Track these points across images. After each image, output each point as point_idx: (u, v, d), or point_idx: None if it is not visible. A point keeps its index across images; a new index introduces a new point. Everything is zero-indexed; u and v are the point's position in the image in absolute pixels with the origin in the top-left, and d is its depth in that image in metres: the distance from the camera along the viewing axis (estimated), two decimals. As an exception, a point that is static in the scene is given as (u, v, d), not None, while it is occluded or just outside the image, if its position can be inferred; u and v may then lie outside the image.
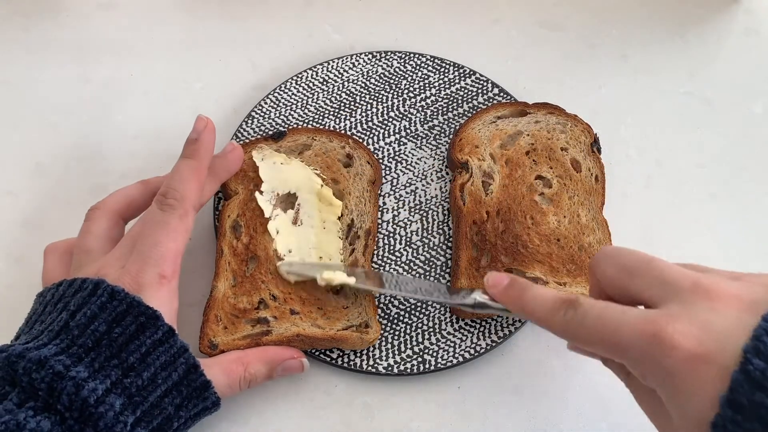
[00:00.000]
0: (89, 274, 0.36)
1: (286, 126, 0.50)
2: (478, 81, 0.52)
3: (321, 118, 0.51)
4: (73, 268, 0.38)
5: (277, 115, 0.51)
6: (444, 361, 0.41)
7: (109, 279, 0.34)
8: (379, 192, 0.47)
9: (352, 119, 0.51)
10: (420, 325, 0.42)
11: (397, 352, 0.41)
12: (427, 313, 0.43)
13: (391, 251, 0.45)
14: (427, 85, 0.52)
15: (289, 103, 0.51)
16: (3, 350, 0.32)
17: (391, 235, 0.46)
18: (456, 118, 0.50)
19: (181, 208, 0.38)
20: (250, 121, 0.50)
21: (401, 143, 0.49)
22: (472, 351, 0.41)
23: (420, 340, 0.42)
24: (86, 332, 0.32)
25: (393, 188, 0.48)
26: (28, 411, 0.29)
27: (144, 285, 0.35)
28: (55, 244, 0.41)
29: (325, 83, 0.52)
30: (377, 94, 0.52)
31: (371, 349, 0.41)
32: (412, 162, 0.49)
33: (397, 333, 0.42)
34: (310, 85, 0.52)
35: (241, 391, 0.38)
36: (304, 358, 0.40)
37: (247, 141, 0.48)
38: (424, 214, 0.47)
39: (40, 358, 0.31)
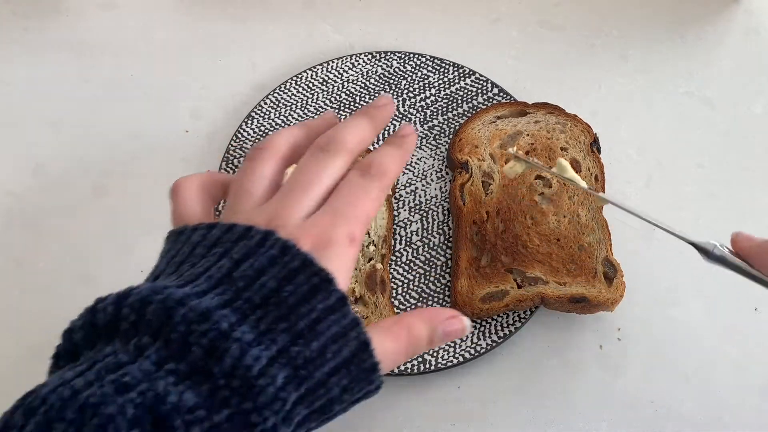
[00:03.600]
0: (257, 222, 0.31)
1: (287, 126, 0.50)
2: (477, 81, 0.52)
3: (321, 118, 0.51)
4: (227, 210, 0.34)
5: (277, 115, 0.51)
6: (444, 361, 0.41)
7: (283, 231, 0.30)
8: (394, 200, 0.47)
9: (352, 119, 0.51)
10: (420, 325, 0.42)
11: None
12: (427, 313, 0.43)
13: (391, 251, 0.45)
14: (426, 85, 0.52)
15: (289, 104, 0.51)
16: (156, 291, 0.26)
17: (392, 235, 0.46)
18: (456, 118, 0.50)
19: (383, 180, 0.34)
20: (249, 122, 0.50)
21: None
22: (472, 351, 0.41)
23: (420, 340, 0.42)
24: (253, 286, 0.27)
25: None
26: (169, 377, 0.24)
27: (332, 241, 0.30)
28: (186, 178, 0.36)
29: (324, 83, 0.52)
30: (377, 95, 0.52)
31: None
32: (412, 162, 0.49)
33: (397, 333, 0.42)
34: (310, 85, 0.52)
35: (404, 360, 0.33)
36: (465, 319, 0.34)
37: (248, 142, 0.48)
38: (424, 214, 0.47)
39: (203, 310, 0.26)
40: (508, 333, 0.42)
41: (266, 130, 0.50)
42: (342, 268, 0.30)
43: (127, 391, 0.24)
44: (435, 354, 0.41)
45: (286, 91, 0.52)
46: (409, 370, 0.41)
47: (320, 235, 0.30)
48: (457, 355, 0.41)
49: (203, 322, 0.25)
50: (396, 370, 0.41)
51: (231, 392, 0.25)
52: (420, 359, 0.41)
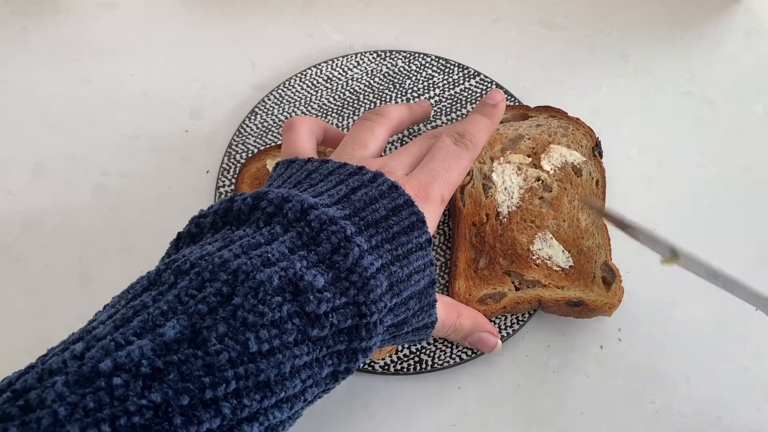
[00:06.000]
0: (370, 166, 0.36)
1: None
2: (482, 82, 0.52)
3: (324, 115, 0.51)
4: (339, 153, 0.39)
5: (281, 111, 0.51)
6: (441, 362, 0.41)
7: (391, 177, 0.35)
8: None
9: (355, 117, 0.51)
10: (420, 325, 0.42)
11: (394, 352, 0.41)
12: (427, 313, 0.43)
13: (391, 251, 0.45)
14: (431, 85, 0.52)
15: (293, 100, 0.51)
16: (292, 194, 0.31)
17: (391, 235, 0.46)
18: (459, 119, 0.50)
19: (474, 152, 0.40)
20: (253, 117, 0.50)
21: (404, 143, 0.49)
22: (470, 352, 0.41)
23: (419, 340, 0.42)
24: (367, 209, 0.32)
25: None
26: (302, 261, 0.29)
27: (429, 197, 0.36)
28: (301, 118, 0.41)
29: (328, 81, 0.52)
30: (381, 93, 0.52)
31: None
32: (412, 162, 0.49)
33: (397, 333, 0.42)
34: (314, 82, 0.52)
35: (441, 334, 0.39)
36: (500, 342, 0.40)
37: (263, 148, 0.49)
38: (425, 215, 0.46)
39: (332, 215, 0.30)
40: (505, 335, 0.42)
41: (269, 126, 0.50)
42: (431, 221, 0.35)
43: (272, 265, 0.28)
44: (432, 354, 0.41)
45: (290, 87, 0.52)
46: (406, 370, 0.41)
47: (420, 188, 0.36)
48: (454, 356, 0.41)
49: (332, 224, 0.30)
50: (392, 369, 0.41)
51: (350, 284, 0.29)
52: (417, 359, 0.41)
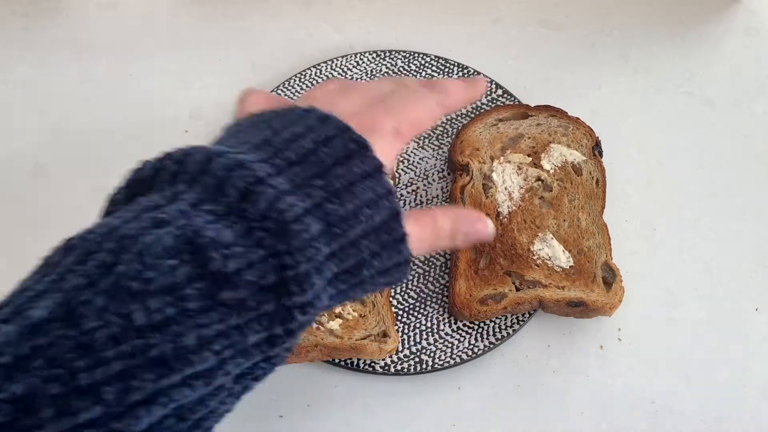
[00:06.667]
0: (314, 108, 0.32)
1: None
2: (480, 81, 0.52)
3: (322, 117, 0.51)
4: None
5: (279, 113, 0.51)
6: (441, 362, 0.41)
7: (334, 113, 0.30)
8: None
9: (353, 119, 0.51)
10: (418, 325, 0.42)
11: (394, 352, 0.41)
12: (425, 313, 0.43)
13: (391, 251, 0.45)
14: (430, 85, 0.52)
15: (293, 101, 0.51)
16: (198, 148, 0.27)
17: (391, 235, 0.46)
18: (459, 118, 0.50)
19: (444, 100, 0.35)
20: (251, 120, 0.50)
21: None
22: (470, 352, 0.41)
23: (418, 340, 0.42)
24: (291, 146, 0.28)
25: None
26: (206, 215, 0.25)
27: (377, 128, 0.31)
28: (256, 90, 0.37)
29: (328, 81, 0.52)
30: (378, 94, 0.52)
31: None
32: (414, 161, 0.49)
33: (396, 334, 0.42)
34: (314, 82, 0.52)
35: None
36: (490, 222, 0.34)
37: None
38: (424, 215, 0.46)
39: (240, 159, 0.26)
40: (505, 335, 0.42)
41: (267, 130, 0.50)
42: (383, 152, 0.30)
43: (165, 225, 0.24)
44: (432, 354, 0.41)
45: (290, 87, 0.52)
46: (406, 370, 0.41)
47: (367, 122, 0.31)
48: (454, 356, 0.41)
49: (240, 168, 0.26)
50: (393, 370, 0.41)
51: (266, 233, 0.25)
52: (417, 359, 0.41)
